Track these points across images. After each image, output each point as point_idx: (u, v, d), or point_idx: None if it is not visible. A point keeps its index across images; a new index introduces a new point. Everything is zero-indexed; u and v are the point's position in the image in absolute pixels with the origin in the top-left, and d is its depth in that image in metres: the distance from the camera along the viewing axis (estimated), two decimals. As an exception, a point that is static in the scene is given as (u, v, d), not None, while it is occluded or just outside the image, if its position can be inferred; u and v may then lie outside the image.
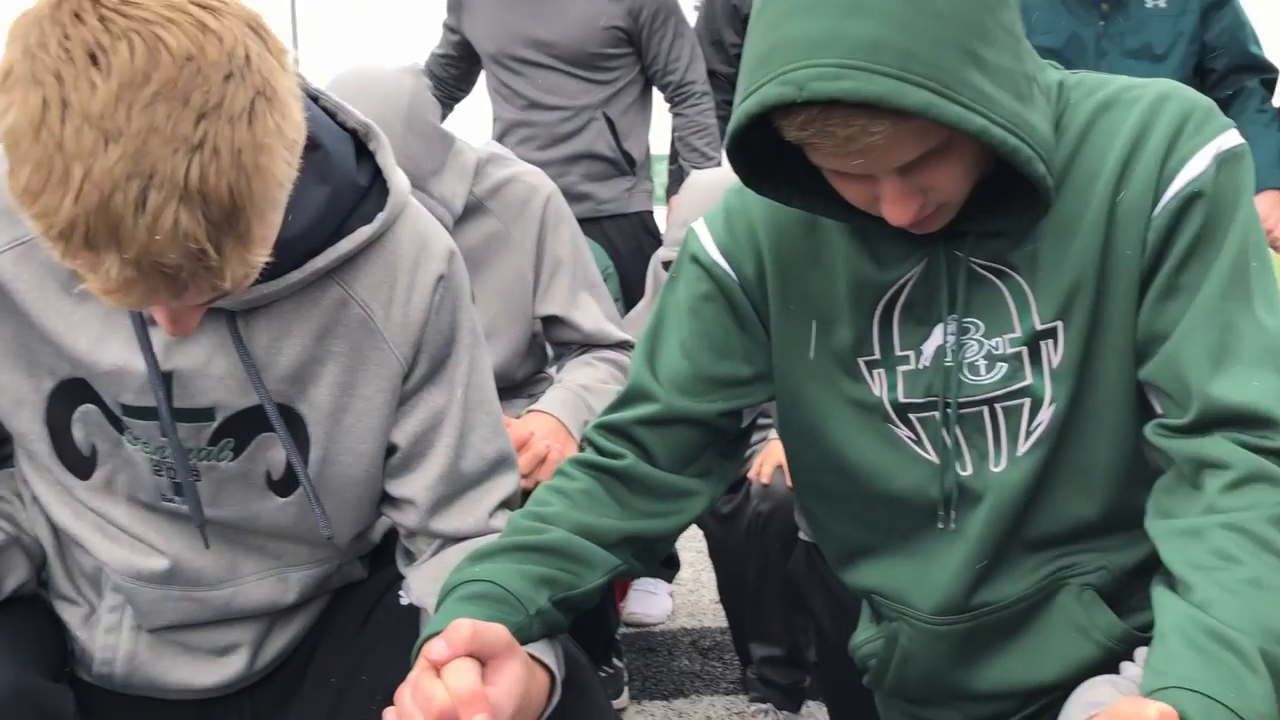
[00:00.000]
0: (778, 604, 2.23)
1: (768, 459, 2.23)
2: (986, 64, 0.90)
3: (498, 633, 0.95)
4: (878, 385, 1.13)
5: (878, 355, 1.12)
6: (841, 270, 1.12)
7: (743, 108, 0.93)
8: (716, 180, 2.38)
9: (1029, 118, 0.94)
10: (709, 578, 3.05)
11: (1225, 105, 2.86)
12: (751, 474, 2.20)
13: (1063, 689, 1.10)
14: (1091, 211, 1.03)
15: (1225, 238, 1.00)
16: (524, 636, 1.02)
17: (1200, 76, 2.86)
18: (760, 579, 2.23)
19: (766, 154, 1.05)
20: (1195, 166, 1.00)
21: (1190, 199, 1.00)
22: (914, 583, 1.17)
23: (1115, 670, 1.01)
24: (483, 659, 0.93)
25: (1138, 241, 1.02)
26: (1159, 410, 1.04)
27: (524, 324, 1.90)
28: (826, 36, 0.88)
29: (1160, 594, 0.97)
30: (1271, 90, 2.98)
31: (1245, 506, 0.95)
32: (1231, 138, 1.01)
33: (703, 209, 2.43)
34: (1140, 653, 0.99)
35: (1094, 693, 0.95)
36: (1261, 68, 2.91)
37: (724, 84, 3.40)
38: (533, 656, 1.01)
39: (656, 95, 3.25)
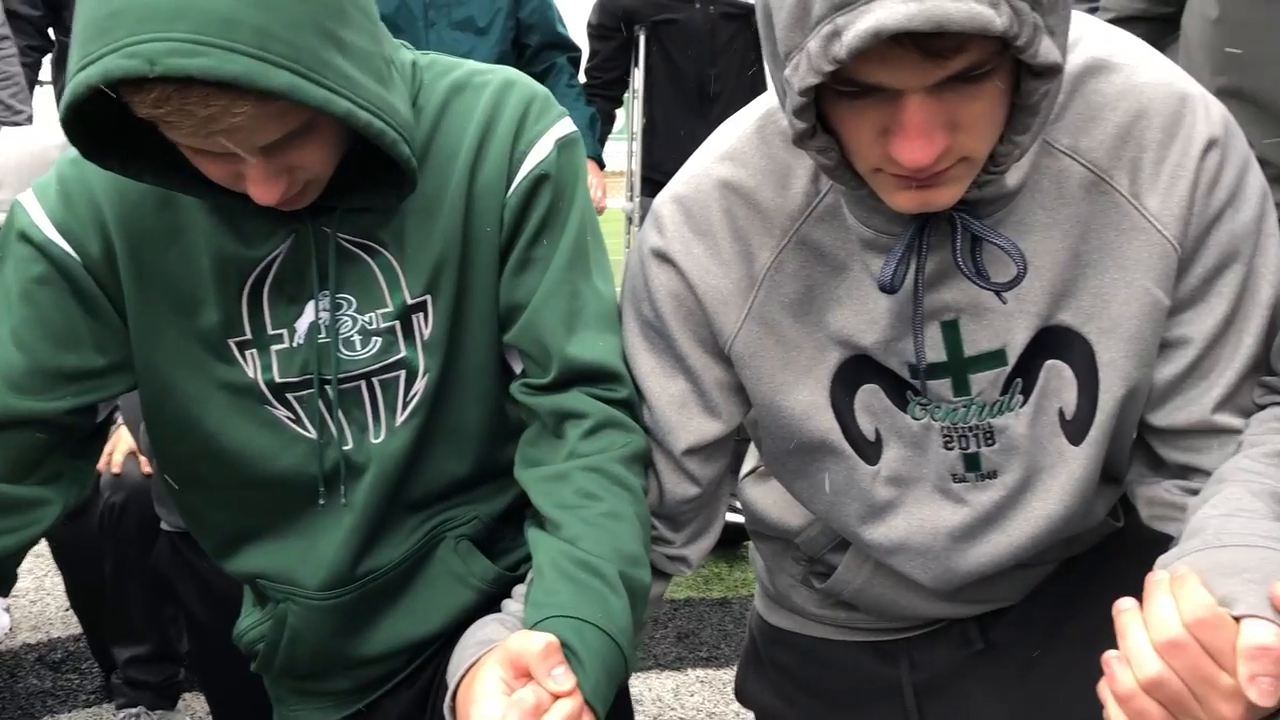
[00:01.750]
0: (141, 600, 2.11)
1: (117, 446, 2.07)
2: (346, 46, 0.91)
3: None
4: (251, 366, 1.09)
5: (249, 335, 1.08)
6: (204, 248, 1.06)
7: (81, 78, 0.84)
8: (37, 142, 2.11)
9: (391, 100, 0.96)
10: (54, 583, 2.77)
11: (540, 79, 3.17)
12: (100, 464, 2.02)
13: (446, 637, 1.18)
14: (452, 190, 1.09)
15: (568, 215, 1.12)
16: None
17: (519, 51, 3.14)
18: (119, 576, 2.09)
19: (108, 123, 0.95)
20: (540, 151, 1.10)
21: (538, 180, 1.10)
22: (300, 561, 1.16)
23: (494, 611, 1.10)
24: None
25: (495, 218, 1.10)
26: (520, 371, 1.15)
27: None
28: (175, 7, 0.82)
29: (534, 534, 1.08)
30: (577, 67, 3.38)
31: (600, 450, 1.09)
32: (567, 125, 1.13)
33: (23, 175, 2.15)
34: (518, 590, 1.09)
35: (484, 631, 1.03)
36: (568, 46, 3.27)
37: (27, 27, 3.01)
38: None
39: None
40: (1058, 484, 1.07)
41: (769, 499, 1.30)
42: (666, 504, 1.16)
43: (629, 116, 3.72)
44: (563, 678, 0.88)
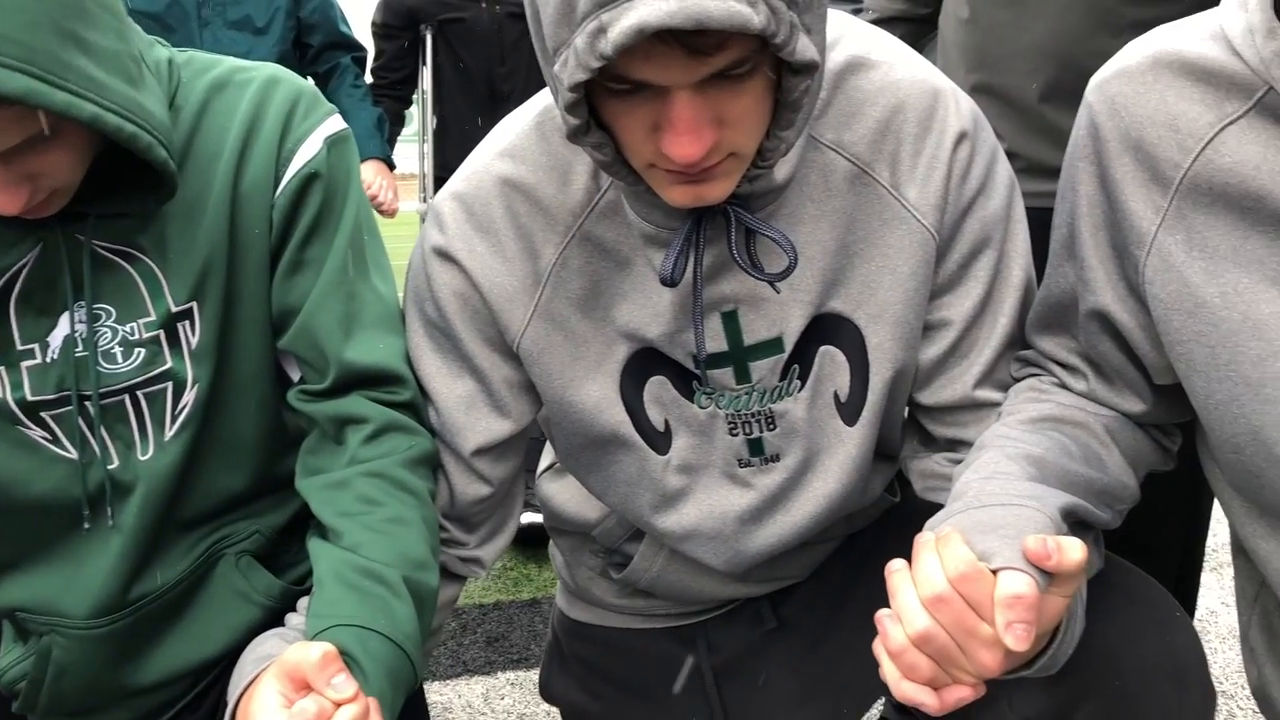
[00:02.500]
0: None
1: None
2: (90, 46, 0.85)
3: None
4: (0, 385, 1.01)
5: None
6: None
7: None
8: None
9: (143, 101, 0.91)
10: None
11: (324, 80, 3.08)
12: None
13: (230, 658, 1.12)
14: (216, 192, 1.04)
15: (342, 215, 1.09)
16: None
17: (301, 51, 3.04)
18: None
19: None
20: (309, 149, 1.07)
21: (308, 180, 1.06)
22: (64, 590, 1.09)
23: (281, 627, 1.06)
24: None
25: (264, 220, 1.06)
26: (297, 378, 1.11)
27: None
28: None
29: (315, 544, 1.04)
30: (362, 68, 3.29)
31: (383, 454, 1.06)
32: (336, 122, 1.10)
33: None
34: (302, 603, 1.05)
35: (264, 647, 0.99)
36: (352, 46, 3.18)
37: None
38: None
39: None
40: (835, 463, 1.11)
41: (565, 494, 1.31)
42: (458, 505, 1.15)
43: (422, 118, 3.65)
44: (343, 685, 0.86)
